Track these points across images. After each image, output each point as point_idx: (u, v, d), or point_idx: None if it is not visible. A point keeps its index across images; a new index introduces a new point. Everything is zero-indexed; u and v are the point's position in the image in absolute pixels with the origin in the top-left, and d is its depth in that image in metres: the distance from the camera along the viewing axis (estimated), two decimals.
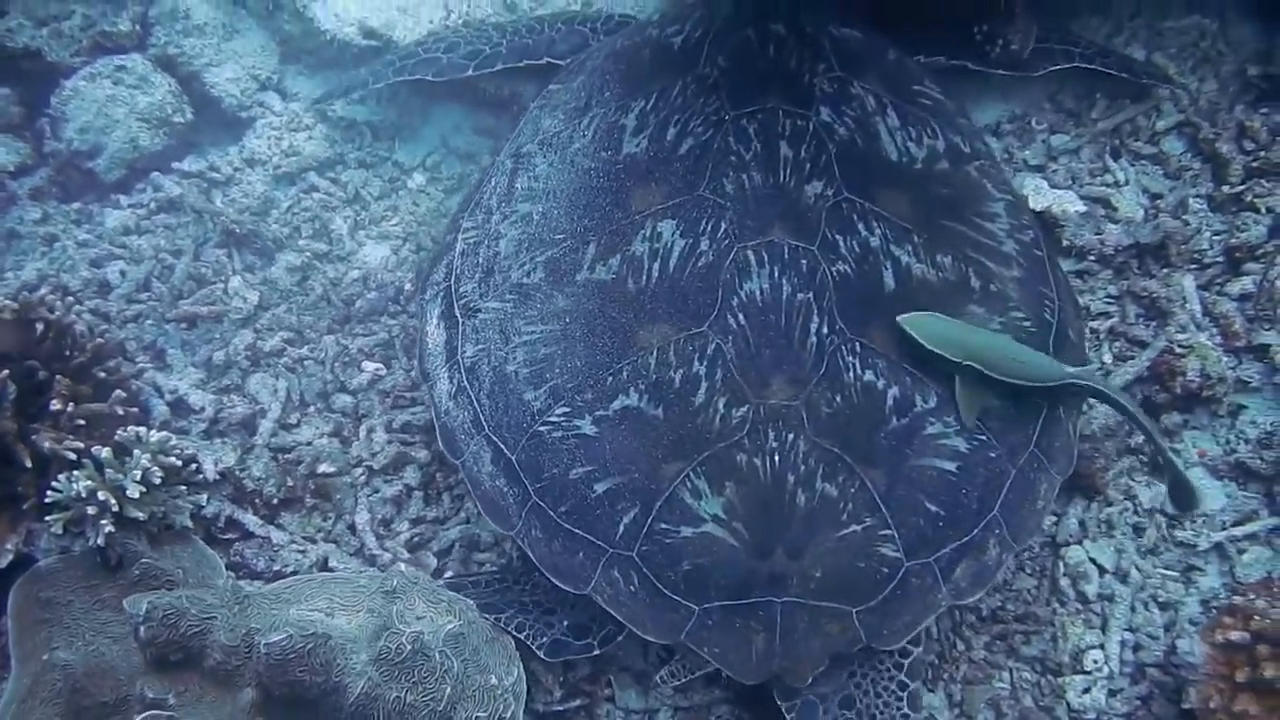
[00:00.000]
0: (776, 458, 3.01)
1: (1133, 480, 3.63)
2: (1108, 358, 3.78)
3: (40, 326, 3.36)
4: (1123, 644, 3.39)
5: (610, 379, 3.14)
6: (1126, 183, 4.05)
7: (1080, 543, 3.55)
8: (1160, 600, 3.45)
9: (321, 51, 4.67)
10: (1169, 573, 3.49)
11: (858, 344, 3.14)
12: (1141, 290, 3.81)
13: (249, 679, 2.81)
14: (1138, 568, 3.49)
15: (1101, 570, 3.51)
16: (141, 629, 2.79)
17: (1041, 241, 3.52)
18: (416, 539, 3.55)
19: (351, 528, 3.60)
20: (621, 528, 3.04)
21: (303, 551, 3.47)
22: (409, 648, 2.76)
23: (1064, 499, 3.60)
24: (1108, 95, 4.24)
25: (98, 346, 3.48)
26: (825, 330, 3.13)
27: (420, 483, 3.70)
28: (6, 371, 3.20)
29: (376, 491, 3.68)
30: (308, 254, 4.22)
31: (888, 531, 3.01)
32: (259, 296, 4.06)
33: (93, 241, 4.22)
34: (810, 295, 3.16)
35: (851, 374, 3.11)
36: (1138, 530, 3.57)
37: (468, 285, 3.45)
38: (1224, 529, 3.51)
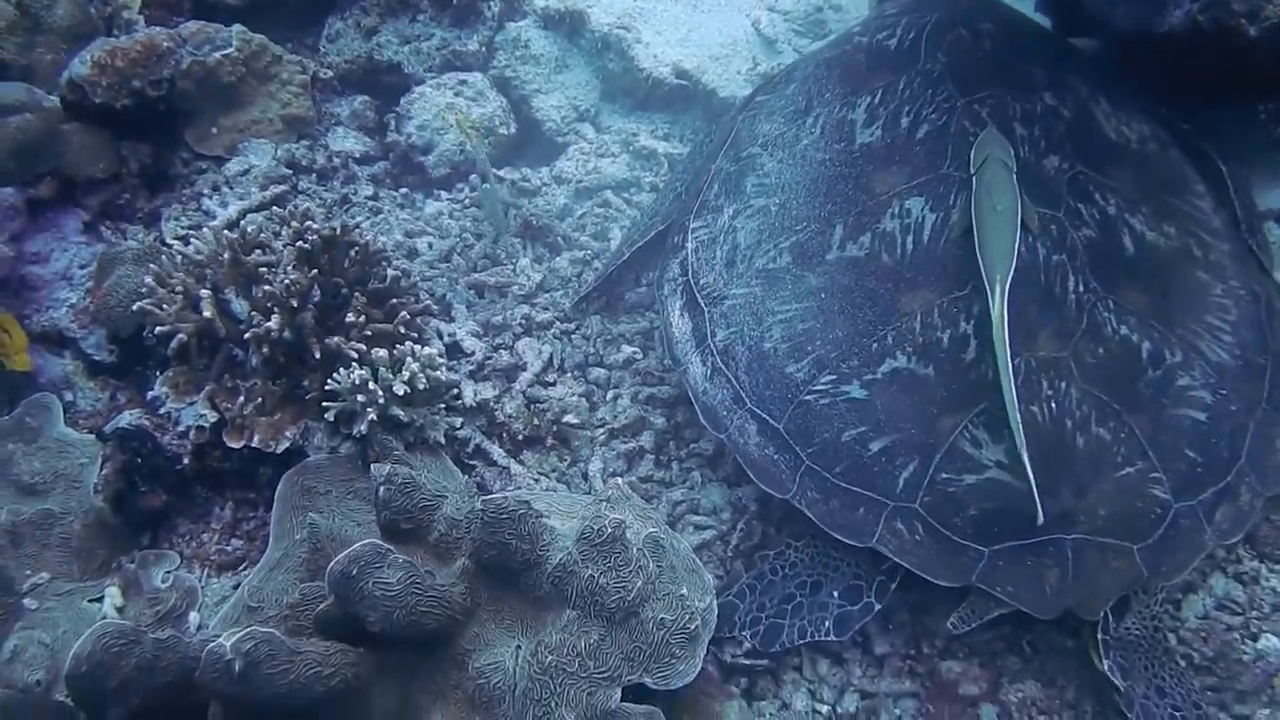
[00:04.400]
0: (1053, 404, 3.14)
1: None
2: None
3: (352, 252, 3.83)
4: None
5: (875, 345, 3.30)
6: None
7: None
8: None
9: (636, 90, 5.13)
10: None
11: (1111, 300, 3.29)
12: None
13: (465, 551, 3.03)
14: None
15: None
16: (381, 489, 3.05)
17: (1240, 218, 3.75)
18: (642, 494, 3.70)
19: (584, 475, 3.82)
20: (901, 481, 3.17)
21: (536, 485, 3.70)
22: (610, 531, 2.90)
23: None
24: None
25: (394, 279, 3.91)
26: (1081, 288, 3.29)
27: (654, 446, 3.89)
28: (315, 271, 3.66)
29: (612, 448, 3.88)
30: (588, 251, 4.55)
31: (1157, 475, 3.15)
32: (542, 279, 4.41)
33: (410, 220, 4.72)
34: (1064, 256, 3.33)
35: (1109, 328, 3.26)
36: None
37: (708, 277, 3.70)
38: None
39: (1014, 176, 3.35)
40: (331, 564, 2.74)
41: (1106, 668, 3.12)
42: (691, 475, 3.82)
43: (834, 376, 3.31)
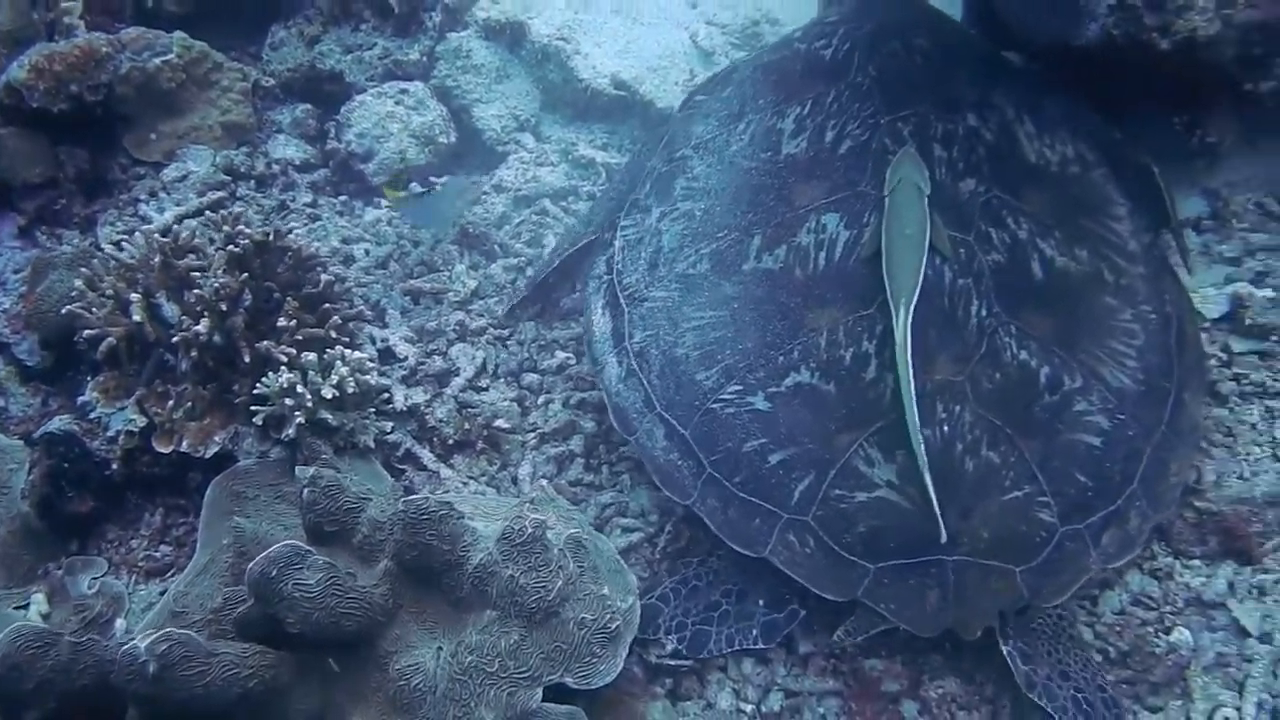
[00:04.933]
0: (945, 427, 3.18)
1: None
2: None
3: (286, 257, 3.84)
4: (1259, 705, 3.17)
5: (781, 358, 3.33)
6: None
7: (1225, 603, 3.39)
8: None
9: (576, 100, 5.19)
10: None
11: (1013, 326, 3.33)
12: None
13: (388, 553, 3.04)
14: None
15: (1244, 632, 3.33)
16: (305, 491, 3.04)
17: (1158, 245, 3.74)
18: (570, 498, 3.73)
19: (514, 479, 3.84)
20: (797, 494, 3.20)
21: (465, 488, 3.72)
22: (530, 531, 2.91)
23: (1215, 559, 3.50)
24: None
25: (328, 285, 3.92)
26: (984, 313, 3.33)
27: (584, 450, 3.91)
28: (246, 275, 3.67)
29: (543, 452, 3.91)
30: (523, 258, 4.59)
31: (1045, 498, 3.17)
32: (477, 285, 4.44)
33: (348, 226, 4.74)
34: (970, 280, 3.36)
35: (1009, 353, 3.29)
36: None
37: (631, 277, 3.72)
38: None
39: (926, 200, 3.40)
40: (251, 565, 2.75)
41: (1006, 652, 3.18)
42: (621, 479, 3.85)
43: (740, 387, 3.34)
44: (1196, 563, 3.50)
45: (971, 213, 3.51)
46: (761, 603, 3.35)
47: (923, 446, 3.03)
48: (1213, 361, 3.84)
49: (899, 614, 3.12)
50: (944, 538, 3.05)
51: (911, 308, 3.16)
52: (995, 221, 3.51)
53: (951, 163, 3.61)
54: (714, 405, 3.36)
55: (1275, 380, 3.81)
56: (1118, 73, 4.04)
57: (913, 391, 3.07)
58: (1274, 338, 3.86)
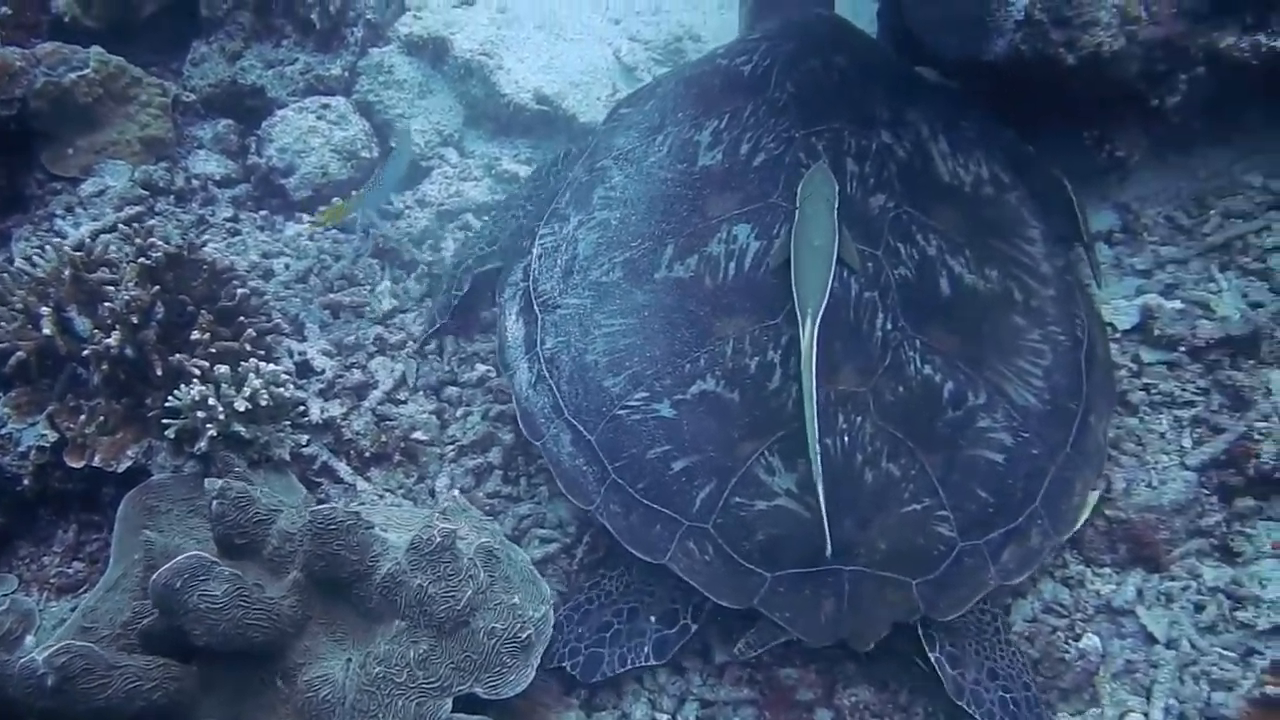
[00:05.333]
0: (846, 438, 3.19)
1: (1200, 561, 3.53)
2: (1187, 443, 3.74)
3: (201, 270, 3.82)
4: (1166, 711, 3.23)
5: (688, 366, 3.36)
6: (1228, 289, 4.06)
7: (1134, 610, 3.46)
8: (1213, 678, 3.29)
9: (499, 115, 5.22)
10: (1226, 653, 3.34)
11: (918, 340, 3.36)
12: (1227, 380, 3.80)
13: (297, 564, 3.04)
14: (1192, 643, 3.36)
15: (1152, 639, 3.41)
16: (214, 503, 3.04)
17: (1072, 269, 3.80)
18: (489, 509, 3.74)
19: (432, 491, 3.84)
20: (698, 502, 3.22)
21: (380, 500, 3.71)
22: (439, 540, 2.92)
23: (1124, 567, 3.56)
24: (1222, 213, 4.30)
25: (244, 298, 3.90)
26: (890, 326, 3.36)
27: (502, 462, 3.92)
28: (158, 287, 3.65)
29: (461, 464, 3.92)
30: (439, 274, 4.59)
31: (944, 513, 3.18)
32: (396, 304, 4.45)
33: (269, 241, 4.73)
34: (876, 294, 3.40)
35: (913, 367, 3.32)
36: (1198, 608, 3.44)
37: (546, 284, 3.75)
38: None
39: (835, 213, 3.44)
40: (155, 576, 2.74)
41: (934, 659, 3.20)
42: (539, 490, 3.86)
43: (647, 394, 3.37)
44: (1107, 570, 3.57)
45: (881, 228, 3.54)
46: (653, 619, 3.34)
47: (819, 457, 3.05)
48: (1123, 372, 3.91)
49: (793, 623, 3.13)
50: (829, 551, 3.06)
51: (819, 318, 3.20)
52: (905, 237, 3.55)
53: (863, 178, 3.65)
54: (620, 412, 3.38)
55: (1183, 390, 3.88)
56: (1027, 88, 4.12)
57: (815, 401, 3.10)
58: (1182, 348, 3.93)
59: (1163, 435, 3.81)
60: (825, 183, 3.53)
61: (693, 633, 3.31)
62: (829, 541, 3.05)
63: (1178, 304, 4.02)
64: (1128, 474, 3.64)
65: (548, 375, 3.58)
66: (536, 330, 3.68)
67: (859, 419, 3.22)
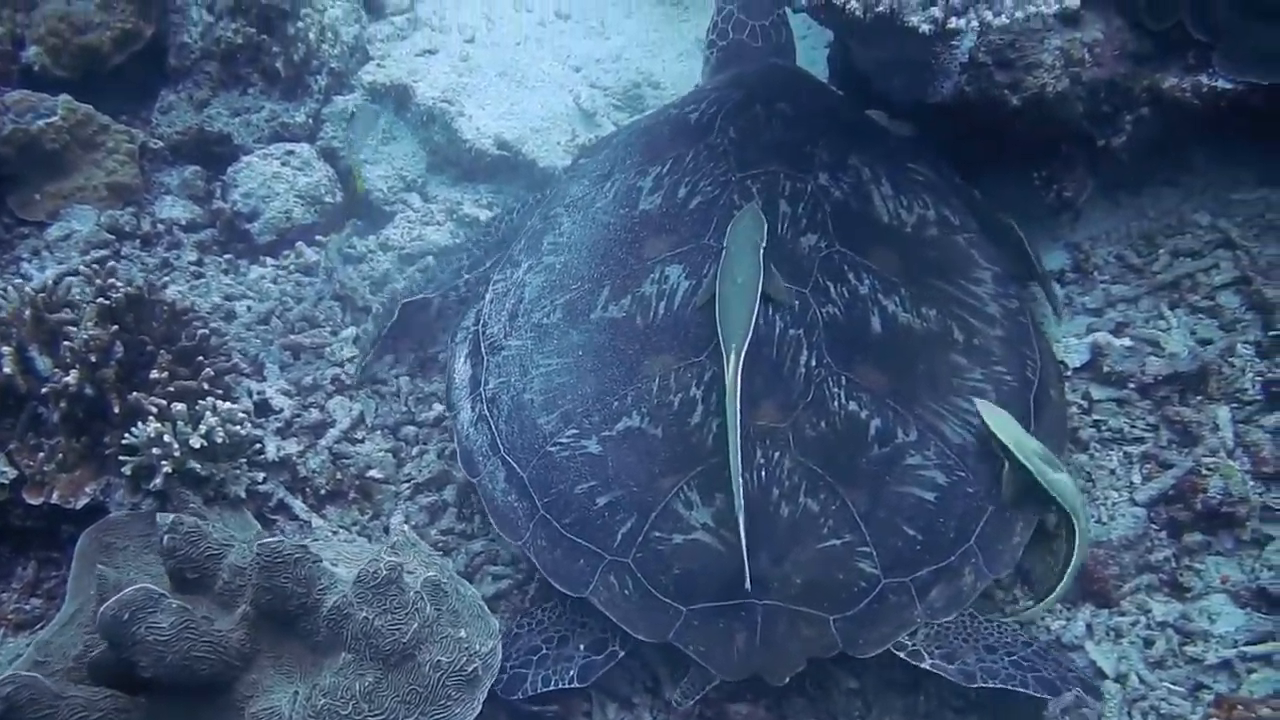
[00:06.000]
0: (763, 473, 3.24)
1: (1149, 596, 3.61)
2: (1137, 478, 3.83)
3: (161, 311, 3.90)
4: None
5: (616, 403, 3.45)
6: (1177, 327, 4.16)
7: (1083, 646, 3.52)
8: (1162, 713, 3.36)
9: (461, 161, 5.32)
10: (1175, 687, 3.40)
11: (844, 377, 3.40)
12: (1176, 416, 3.88)
13: (246, 597, 3.08)
14: (1140, 677, 3.42)
15: (1101, 674, 3.46)
16: (166, 537, 3.08)
17: (1028, 311, 3.82)
18: (442, 546, 3.80)
19: (386, 529, 3.90)
20: (619, 536, 3.28)
21: (334, 537, 3.76)
22: (385, 574, 2.97)
23: (1074, 603, 3.63)
24: (1171, 251, 4.40)
25: (204, 338, 3.97)
26: (814, 363, 3.42)
27: (456, 500, 4.00)
28: (117, 327, 3.72)
29: (416, 502, 3.99)
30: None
31: (866, 549, 3.20)
32: (356, 353, 4.50)
33: (231, 284, 4.80)
34: (801, 331, 3.46)
35: (836, 403, 3.36)
36: (1147, 643, 3.51)
37: (494, 327, 3.85)
38: (1235, 646, 3.43)
39: (761, 252, 3.51)
40: (102, 608, 2.77)
41: (931, 665, 3.19)
42: (492, 527, 3.89)
43: (576, 430, 3.45)
44: (1057, 606, 3.61)
45: (810, 267, 3.61)
46: (582, 647, 3.37)
47: (741, 491, 3.09)
48: (1074, 409, 3.99)
49: (707, 657, 3.16)
50: (748, 583, 3.09)
51: (742, 354, 3.26)
52: (835, 276, 3.61)
53: (795, 219, 3.73)
54: (551, 449, 3.46)
55: (1133, 426, 3.98)
56: (975, 129, 4.24)
57: (738, 436, 3.15)
58: (1131, 385, 4.03)
59: (1112, 471, 3.90)
60: (754, 223, 3.61)
61: (620, 658, 3.33)
62: (748, 574, 3.08)
63: (1127, 341, 4.13)
64: None
65: (488, 414, 3.66)
66: (481, 371, 3.78)
67: (777, 454, 3.27)
